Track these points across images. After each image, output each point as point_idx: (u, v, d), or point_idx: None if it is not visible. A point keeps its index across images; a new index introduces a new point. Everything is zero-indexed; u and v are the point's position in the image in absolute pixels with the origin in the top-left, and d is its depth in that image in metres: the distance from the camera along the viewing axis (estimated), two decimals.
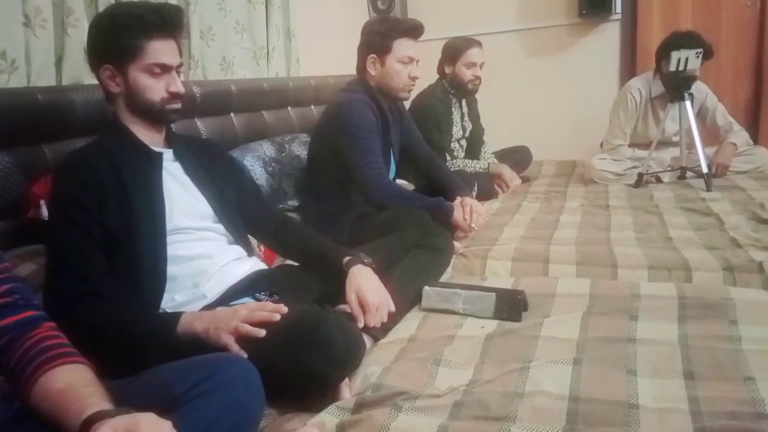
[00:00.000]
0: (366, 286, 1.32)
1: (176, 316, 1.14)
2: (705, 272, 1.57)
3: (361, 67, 2.03)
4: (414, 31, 1.99)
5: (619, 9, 3.38)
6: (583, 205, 2.36)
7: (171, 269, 1.25)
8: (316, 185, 2.03)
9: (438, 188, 2.20)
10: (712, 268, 1.58)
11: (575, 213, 2.25)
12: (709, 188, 2.39)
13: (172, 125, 1.39)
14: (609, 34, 3.48)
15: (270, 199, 2.10)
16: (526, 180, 2.95)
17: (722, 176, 2.59)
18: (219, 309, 1.19)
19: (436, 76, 2.80)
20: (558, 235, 1.96)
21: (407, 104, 2.35)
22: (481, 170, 2.76)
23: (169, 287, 1.24)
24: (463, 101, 2.86)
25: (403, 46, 1.96)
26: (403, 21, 2.15)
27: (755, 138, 3.01)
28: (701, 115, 2.72)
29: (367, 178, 1.90)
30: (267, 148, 2.26)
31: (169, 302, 1.25)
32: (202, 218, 1.35)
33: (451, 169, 2.60)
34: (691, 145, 2.54)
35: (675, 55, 2.47)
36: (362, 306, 1.31)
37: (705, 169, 2.43)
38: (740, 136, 2.77)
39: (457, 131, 2.81)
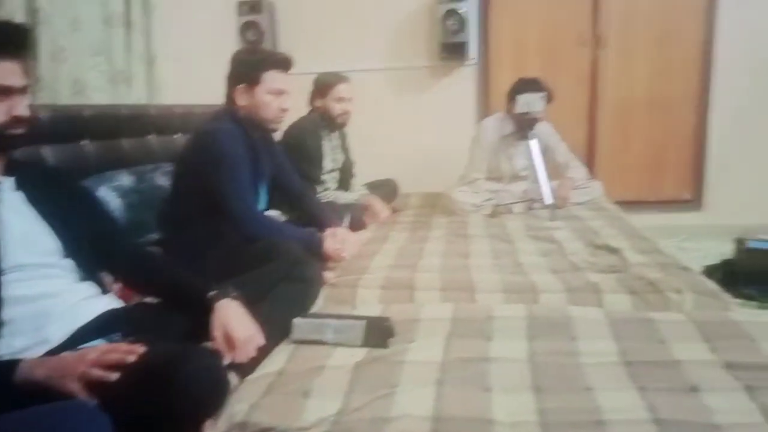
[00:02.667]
0: (233, 321, 1.28)
1: (11, 364, 1.02)
2: (550, 294, 1.73)
3: (230, 97, 2.00)
4: (284, 63, 2.01)
5: (474, 55, 3.69)
6: (446, 235, 2.50)
7: (8, 311, 1.12)
8: (181, 217, 1.95)
9: (309, 219, 2.21)
10: (556, 290, 1.75)
11: (439, 242, 2.37)
12: (552, 218, 2.65)
13: (14, 152, 1.26)
14: (466, 77, 3.78)
15: (128, 232, 1.97)
16: (394, 211, 3.06)
17: (563, 207, 2.88)
18: (64, 354, 1.09)
19: (306, 109, 2.84)
20: (423, 263, 2.05)
21: (278, 135, 2.36)
22: (352, 201, 2.82)
23: (6, 331, 1.12)
24: (334, 134, 2.92)
25: (273, 78, 1.97)
26: (273, 53, 2.17)
27: (591, 173, 3.40)
28: (546, 152, 3.03)
29: (236, 209, 1.86)
30: (125, 179, 2.13)
31: (6, 349, 1.12)
32: (47, 253, 1.24)
33: (323, 201, 2.64)
34: (537, 180, 2.81)
35: (521, 99, 2.75)
36: (229, 341, 1.27)
37: (549, 201, 2.70)
38: (579, 171, 3.12)
39: (328, 163, 2.85)
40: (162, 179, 2.23)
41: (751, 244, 2.61)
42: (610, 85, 3.64)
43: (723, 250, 2.83)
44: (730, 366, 1.22)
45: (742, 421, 1.03)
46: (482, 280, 1.83)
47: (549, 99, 2.90)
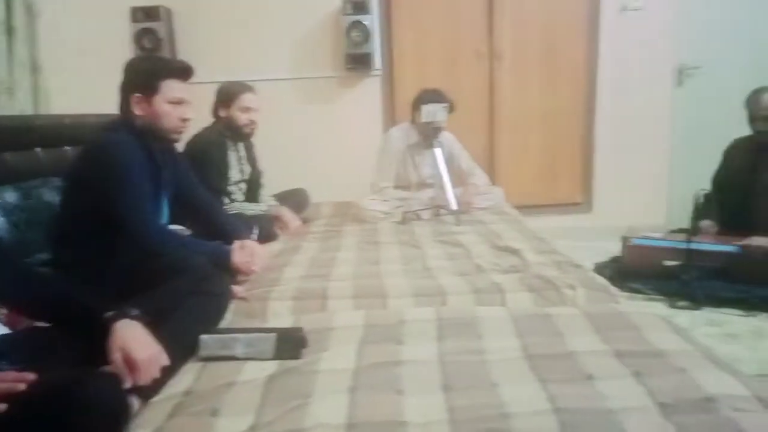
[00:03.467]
0: (133, 342, 1.22)
1: None
2: (457, 296, 1.80)
3: (125, 107, 1.90)
4: (183, 72, 1.94)
5: (379, 65, 3.77)
6: (358, 243, 2.52)
7: None
8: (74, 234, 1.82)
9: (216, 232, 2.15)
10: (462, 292, 1.82)
11: (350, 250, 2.39)
12: (458, 223, 2.75)
13: None
14: (372, 87, 3.85)
15: (14, 253, 1.81)
16: (305, 221, 3.04)
17: (468, 213, 3.00)
18: None
19: (207, 119, 2.77)
20: (335, 272, 2.06)
21: (181, 146, 2.27)
22: (260, 213, 2.78)
23: None
24: (240, 144, 2.86)
25: (171, 87, 1.90)
26: (171, 61, 2.10)
27: (493, 179, 3.57)
28: (450, 160, 3.14)
29: (137, 224, 1.77)
30: (8, 195, 1.97)
31: None
32: None
33: (230, 213, 2.57)
34: (443, 187, 2.91)
35: (425, 109, 2.84)
36: (130, 363, 1.20)
37: (454, 207, 2.80)
38: (481, 178, 3.27)
39: (234, 174, 2.79)
40: (50, 195, 2.08)
41: (635, 242, 2.85)
42: (506, 96, 3.84)
43: (611, 249, 3.07)
44: (619, 354, 1.32)
45: (632, 404, 1.12)
46: (393, 286, 1.86)
47: (451, 109, 3.01)
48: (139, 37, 3.58)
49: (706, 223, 2.87)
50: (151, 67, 1.91)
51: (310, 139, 3.86)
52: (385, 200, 3.02)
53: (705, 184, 3.01)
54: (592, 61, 3.79)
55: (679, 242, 2.68)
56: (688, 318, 2.43)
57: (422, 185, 3.13)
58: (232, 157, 2.78)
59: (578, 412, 1.08)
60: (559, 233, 3.30)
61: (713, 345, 2.13)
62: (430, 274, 2.00)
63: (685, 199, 2.86)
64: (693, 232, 2.69)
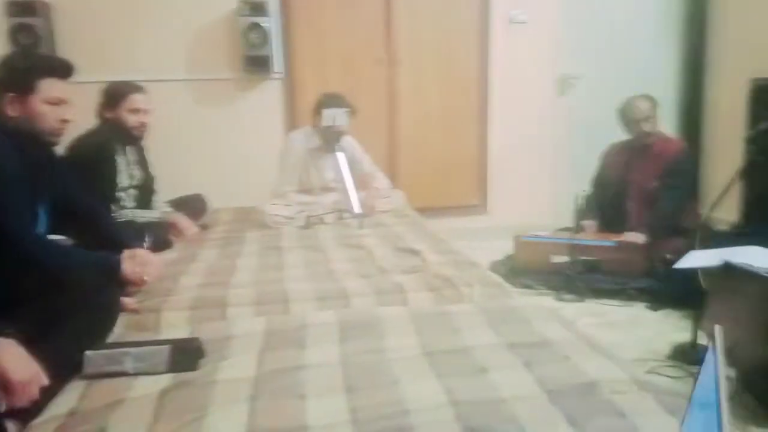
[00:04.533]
0: (7, 363, 1.11)
1: None
2: (360, 297, 1.81)
3: None
4: (63, 70, 1.80)
5: (279, 69, 3.72)
6: (259, 249, 2.47)
7: None
8: None
9: (103, 242, 2.01)
10: (365, 293, 1.84)
11: (252, 256, 2.33)
12: (361, 226, 2.77)
13: None
14: (272, 91, 3.78)
15: None
16: (204, 228, 2.93)
17: (371, 216, 3.03)
18: None
19: (91, 121, 2.59)
20: (235, 279, 2.00)
21: (63, 150, 2.11)
22: (154, 220, 2.64)
23: None
24: (130, 148, 2.70)
25: (50, 86, 1.75)
26: (50, 58, 1.95)
27: (394, 183, 3.63)
28: (352, 164, 3.16)
29: (10, 234, 1.61)
30: None
31: None
32: None
33: (120, 220, 2.43)
34: (346, 190, 2.92)
35: (326, 113, 2.84)
36: (5, 385, 1.10)
37: (357, 211, 2.82)
38: (383, 181, 3.32)
39: (124, 179, 2.63)
40: None
41: (525, 241, 3.03)
42: (405, 102, 3.93)
43: (506, 247, 3.23)
44: (511, 346, 1.40)
45: (523, 392, 1.19)
46: (296, 291, 1.85)
47: (352, 114, 3.04)
48: (15, 32, 3.31)
49: (588, 222, 3.11)
50: (27, 65, 1.76)
51: (208, 143, 3.73)
52: (287, 205, 2.99)
53: (586, 186, 3.26)
54: (483, 70, 3.98)
55: (564, 239, 2.88)
56: (573, 309, 2.61)
57: (325, 189, 3.12)
58: (121, 162, 2.62)
59: (473, 403, 1.13)
60: (457, 234, 3.42)
61: (596, 333, 2.31)
62: (333, 278, 2.01)
63: (569, 199, 3.08)
64: (576, 230, 2.90)
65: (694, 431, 0.74)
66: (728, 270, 1.64)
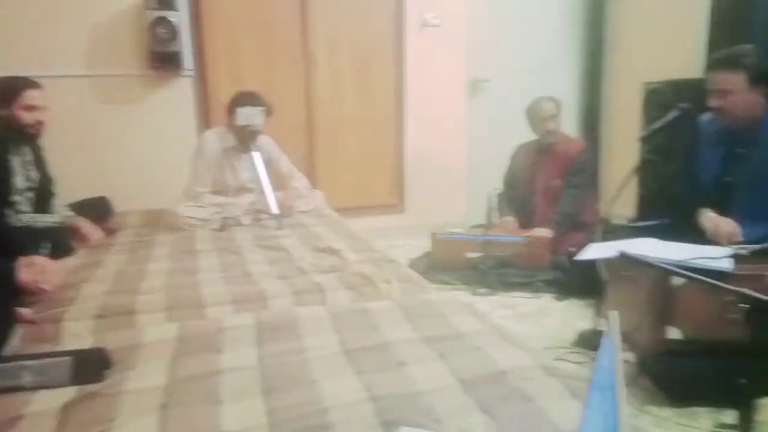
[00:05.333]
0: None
1: None
2: (279, 299, 1.79)
3: None
4: None
5: (189, 65, 3.58)
6: (171, 252, 2.37)
7: None
8: None
9: None
10: (284, 294, 1.82)
11: (163, 261, 2.24)
12: (279, 227, 2.74)
13: None
14: (183, 88, 3.64)
15: None
16: (110, 232, 2.78)
17: (289, 216, 3.00)
18: None
19: None
20: (146, 285, 1.92)
21: None
22: (53, 224, 2.47)
23: None
24: (25, 148, 2.51)
25: None
26: None
27: (312, 183, 3.61)
28: (269, 164, 3.12)
29: None
30: None
31: None
32: None
33: (16, 225, 2.25)
34: (263, 191, 2.87)
35: (241, 112, 2.78)
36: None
37: (275, 211, 2.78)
38: (301, 181, 3.29)
39: (20, 182, 2.44)
40: None
41: (441, 238, 3.11)
42: (323, 102, 3.92)
43: (424, 245, 3.31)
44: (428, 340, 1.43)
45: (438, 384, 1.22)
46: (211, 294, 1.79)
47: (268, 113, 2.99)
48: None
49: (507, 218, 3.24)
50: None
51: (114, 143, 3.53)
52: (201, 206, 2.89)
53: (497, 184, 3.41)
54: (399, 72, 4.04)
55: (477, 236, 2.99)
56: (487, 303, 2.72)
57: (241, 190, 3.05)
58: (15, 162, 2.43)
59: (391, 397, 1.15)
60: (376, 233, 3.48)
61: (507, 325, 2.42)
62: (250, 280, 1.97)
63: (482, 197, 3.20)
64: (488, 226, 3.02)
65: (595, 412, 0.80)
66: (624, 260, 1.77)
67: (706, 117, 2.23)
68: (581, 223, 3.04)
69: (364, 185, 4.07)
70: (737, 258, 1.77)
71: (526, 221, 3.19)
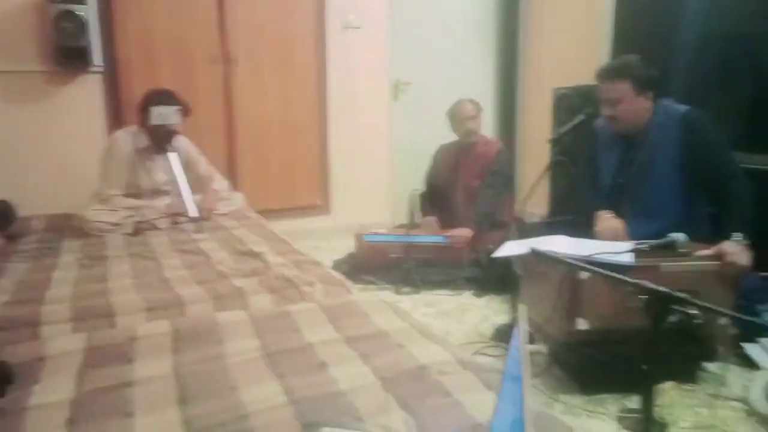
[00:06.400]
0: None
1: None
2: (197, 304, 1.74)
3: None
4: None
5: (98, 62, 3.40)
6: (79, 259, 2.25)
7: None
8: None
9: None
10: (203, 300, 1.77)
11: (70, 268, 2.12)
12: (198, 230, 2.66)
13: None
14: (91, 86, 3.44)
15: None
16: (12, 238, 2.59)
17: (209, 219, 2.91)
18: None
19: None
20: (51, 295, 1.81)
21: None
22: None
23: None
24: None
25: None
26: None
27: (234, 185, 3.53)
28: (187, 165, 3.01)
29: None
30: None
31: None
32: None
33: None
34: (180, 193, 2.77)
35: (155, 111, 2.67)
36: None
37: (194, 214, 2.70)
38: (221, 183, 3.21)
39: None
40: None
41: (365, 239, 3.13)
42: (244, 103, 3.83)
43: (348, 246, 3.32)
44: (349, 340, 1.44)
45: (359, 383, 1.23)
46: (122, 303, 1.72)
47: (185, 112, 2.89)
48: None
49: (430, 218, 3.31)
50: None
51: (16, 143, 3.29)
52: (113, 210, 2.75)
53: (420, 184, 3.48)
54: (321, 73, 4.02)
55: (400, 236, 3.03)
56: (411, 301, 2.77)
57: (157, 192, 2.93)
58: None
59: (312, 399, 1.15)
60: (300, 235, 3.44)
61: (430, 322, 2.48)
62: (166, 286, 1.90)
63: (405, 197, 3.25)
64: (411, 226, 3.08)
65: (508, 402, 0.83)
66: (535, 256, 1.86)
67: (601, 121, 2.39)
68: (499, 222, 3.16)
69: (287, 187, 4.02)
70: (637, 253, 1.91)
71: (448, 221, 3.27)
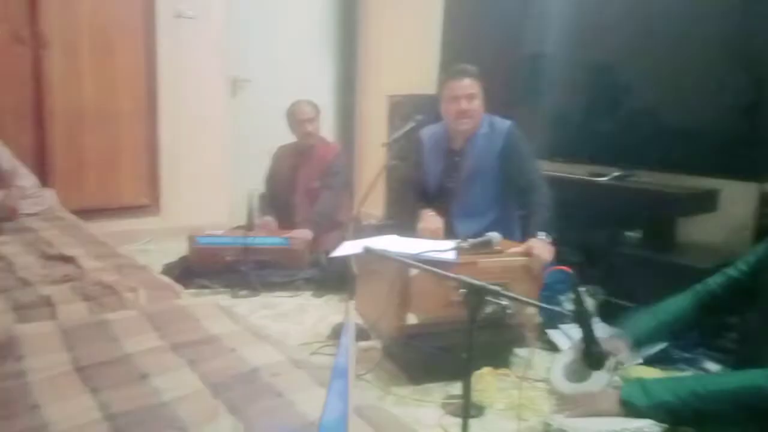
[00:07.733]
0: None
1: None
2: None
3: None
4: None
5: None
6: None
7: None
8: None
9: None
10: (1, 310, 1.55)
11: None
12: None
13: None
14: None
15: None
16: None
17: (12, 219, 2.56)
18: None
19: None
20: None
21: None
22: None
23: None
24: None
25: None
26: None
27: (43, 181, 3.14)
28: None
29: None
30: None
31: None
32: None
33: None
34: None
35: None
36: None
37: None
38: (28, 179, 2.85)
39: None
40: None
41: (199, 241, 2.99)
42: (57, 90, 3.42)
43: (180, 249, 3.13)
44: (176, 347, 1.36)
45: (186, 392, 1.17)
46: None
47: None
48: None
49: (267, 218, 3.24)
50: None
51: None
52: None
53: (260, 184, 3.40)
54: (150, 63, 3.74)
55: (237, 238, 2.94)
56: (248, 304, 2.70)
57: None
58: None
59: (131, 413, 1.07)
60: (126, 237, 3.18)
61: (268, 324, 2.44)
62: None
63: (243, 198, 3.16)
64: (249, 227, 3.00)
65: (335, 396, 0.85)
66: (369, 255, 1.92)
67: (427, 130, 2.60)
68: (338, 223, 3.21)
69: (109, 183, 3.67)
70: (460, 250, 2.06)
71: (287, 221, 3.24)
